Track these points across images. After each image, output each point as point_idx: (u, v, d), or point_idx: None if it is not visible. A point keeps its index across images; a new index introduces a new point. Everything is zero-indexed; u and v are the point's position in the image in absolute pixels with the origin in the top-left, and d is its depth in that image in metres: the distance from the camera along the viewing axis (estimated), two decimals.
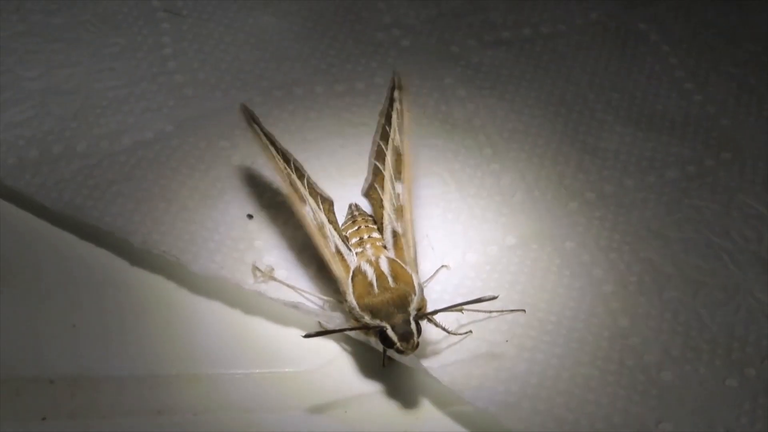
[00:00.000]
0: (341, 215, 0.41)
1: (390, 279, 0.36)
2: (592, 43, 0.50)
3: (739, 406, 0.36)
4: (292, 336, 0.38)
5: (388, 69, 0.47)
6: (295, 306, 0.38)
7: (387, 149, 0.41)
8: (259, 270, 0.39)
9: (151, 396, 0.36)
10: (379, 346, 0.36)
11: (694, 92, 0.47)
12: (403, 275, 0.36)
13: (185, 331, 0.38)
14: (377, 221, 0.39)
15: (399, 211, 0.39)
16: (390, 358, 0.36)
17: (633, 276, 0.40)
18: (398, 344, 0.34)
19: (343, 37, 0.49)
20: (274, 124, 0.42)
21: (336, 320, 0.38)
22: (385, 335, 0.35)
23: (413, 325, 0.35)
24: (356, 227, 0.39)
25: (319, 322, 0.38)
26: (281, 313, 0.38)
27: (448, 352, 0.37)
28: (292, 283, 0.39)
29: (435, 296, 0.38)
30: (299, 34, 0.49)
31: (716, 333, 0.38)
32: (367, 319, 0.35)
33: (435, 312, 0.36)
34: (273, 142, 0.40)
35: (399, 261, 0.37)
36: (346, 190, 0.42)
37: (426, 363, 0.36)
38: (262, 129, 0.41)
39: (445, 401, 0.36)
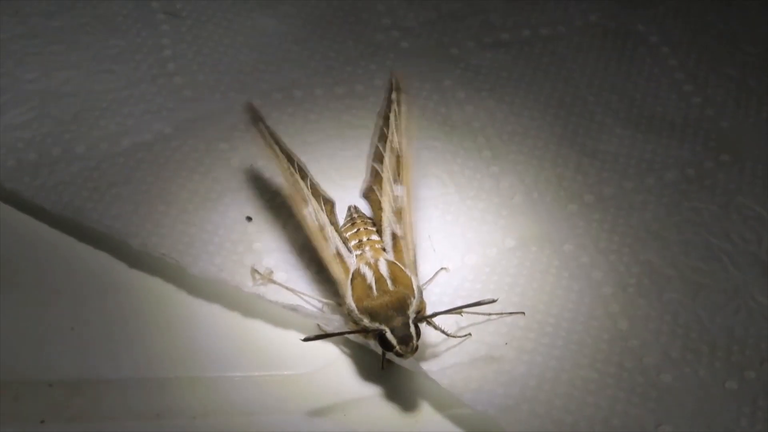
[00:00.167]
0: (341, 217, 0.41)
1: (389, 282, 0.36)
2: (592, 45, 0.50)
3: (739, 408, 0.36)
4: (292, 339, 0.38)
5: (388, 71, 0.47)
6: (294, 309, 0.38)
7: (385, 151, 0.41)
8: (259, 272, 0.39)
9: (151, 399, 0.36)
10: (378, 349, 0.36)
11: (694, 94, 0.47)
12: (402, 278, 0.36)
13: (184, 333, 0.38)
14: (376, 223, 0.39)
15: (398, 213, 0.39)
16: (389, 361, 0.36)
17: (632, 278, 0.40)
18: (397, 347, 0.34)
19: (342, 39, 0.49)
20: (273, 126, 0.42)
21: (335, 323, 0.38)
22: (384, 338, 0.35)
23: (412, 328, 0.35)
24: (355, 229, 0.39)
25: (319, 325, 0.38)
26: (280, 316, 0.38)
27: (447, 354, 0.37)
28: (292, 286, 0.39)
29: (434, 299, 0.38)
30: (298, 36, 0.49)
31: (716, 335, 0.38)
32: (366, 322, 0.35)
33: (434, 315, 0.36)
34: (277, 142, 0.40)
35: (398, 264, 0.37)
36: (346, 192, 0.42)
37: (425, 366, 0.36)
38: (267, 128, 0.41)
39: (444, 404, 0.36)
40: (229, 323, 0.38)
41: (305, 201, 0.39)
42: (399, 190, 0.39)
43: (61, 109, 0.45)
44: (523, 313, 0.38)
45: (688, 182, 0.43)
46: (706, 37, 0.50)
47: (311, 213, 0.39)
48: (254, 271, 0.39)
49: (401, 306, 0.35)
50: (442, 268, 0.39)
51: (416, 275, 0.37)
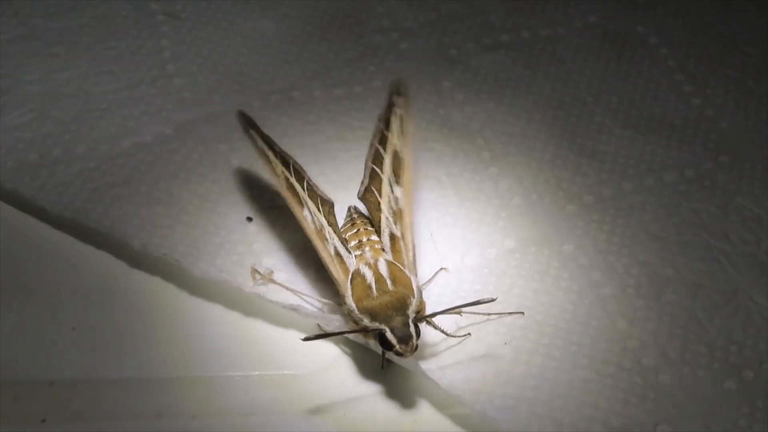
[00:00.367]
0: (340, 218, 0.41)
1: (389, 282, 0.36)
2: (591, 47, 0.50)
3: (738, 409, 0.36)
4: (292, 338, 0.38)
5: (387, 72, 0.47)
6: (295, 309, 0.38)
7: (385, 153, 0.41)
8: (259, 273, 0.39)
9: (151, 398, 0.36)
10: (378, 349, 0.36)
11: (693, 95, 0.48)
12: (401, 278, 0.36)
13: (185, 333, 0.38)
14: (374, 224, 0.39)
15: (398, 214, 0.39)
16: (389, 361, 0.36)
17: (631, 279, 0.40)
18: (397, 347, 0.34)
19: (341, 40, 0.50)
20: (272, 127, 0.42)
21: (335, 323, 0.38)
22: (384, 338, 0.35)
23: (412, 328, 0.35)
24: (355, 230, 0.39)
25: (319, 325, 0.38)
26: (280, 316, 0.38)
27: (447, 354, 0.37)
28: (292, 286, 0.39)
29: (434, 299, 0.38)
30: (298, 37, 0.50)
31: (714, 336, 0.38)
32: (366, 321, 0.35)
33: (434, 314, 0.36)
34: (271, 146, 0.40)
35: (398, 264, 0.37)
36: (345, 193, 0.42)
37: (425, 365, 0.36)
38: (259, 134, 0.41)
39: (443, 403, 0.36)
40: (230, 323, 0.38)
41: (301, 204, 0.39)
42: (398, 191, 0.40)
43: (61, 110, 0.45)
44: (522, 313, 0.38)
45: (688, 183, 0.44)
46: (705, 38, 0.50)
47: (309, 215, 0.39)
48: (255, 271, 0.39)
49: (401, 306, 0.35)
50: (441, 269, 0.40)
51: (416, 275, 0.37)
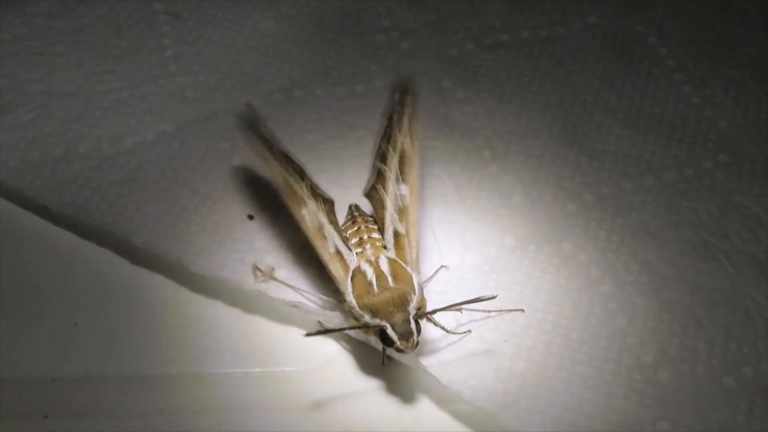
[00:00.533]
0: (341, 216, 0.41)
1: (390, 279, 0.36)
2: (591, 46, 0.50)
3: (736, 405, 0.36)
4: (293, 335, 0.38)
5: (388, 72, 0.47)
6: (296, 305, 0.38)
7: (391, 151, 0.41)
8: (260, 270, 0.39)
9: (152, 395, 0.36)
10: (379, 345, 0.36)
11: (693, 95, 0.48)
12: (403, 275, 0.36)
13: (186, 330, 0.38)
14: (378, 221, 0.40)
15: (403, 211, 0.39)
16: (389, 357, 0.37)
17: (631, 276, 0.40)
18: (398, 343, 0.35)
19: (342, 40, 0.50)
20: (273, 126, 0.42)
21: (336, 319, 0.38)
22: (385, 334, 0.35)
23: (413, 325, 0.35)
24: (356, 227, 0.39)
25: (319, 322, 0.38)
26: (281, 313, 0.39)
27: (447, 351, 0.37)
28: (293, 283, 0.39)
29: (434, 296, 0.38)
30: (299, 37, 0.50)
31: (713, 333, 0.38)
32: (366, 318, 0.35)
33: (434, 311, 0.36)
34: (271, 147, 0.40)
35: (399, 261, 0.37)
36: (347, 192, 0.42)
37: (425, 362, 0.36)
38: (259, 135, 0.41)
39: (444, 400, 0.36)
40: (231, 320, 0.39)
41: (300, 203, 0.39)
42: (403, 189, 0.40)
43: (63, 108, 0.45)
44: (523, 310, 0.38)
45: (687, 182, 0.44)
46: (705, 39, 0.50)
47: (309, 213, 0.39)
48: (256, 268, 0.39)
49: (402, 302, 0.35)
50: (442, 266, 0.40)
51: (418, 272, 0.37)
